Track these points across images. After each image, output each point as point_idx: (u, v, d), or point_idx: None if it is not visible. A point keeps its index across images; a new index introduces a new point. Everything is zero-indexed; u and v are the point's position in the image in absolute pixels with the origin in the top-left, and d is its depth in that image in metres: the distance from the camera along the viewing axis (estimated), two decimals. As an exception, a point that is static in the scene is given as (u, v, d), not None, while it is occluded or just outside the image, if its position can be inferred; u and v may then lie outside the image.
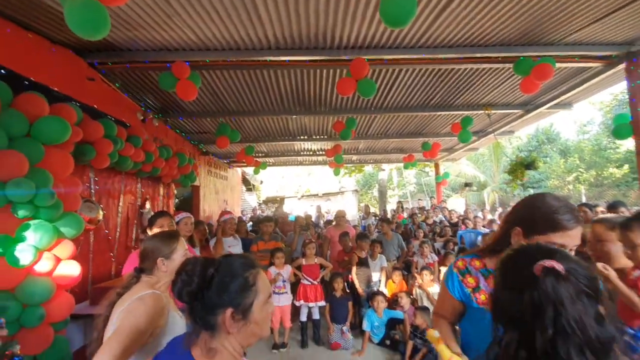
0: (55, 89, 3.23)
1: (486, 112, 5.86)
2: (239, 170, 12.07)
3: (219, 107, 5.72)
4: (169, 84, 3.83)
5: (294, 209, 14.75)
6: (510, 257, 0.75)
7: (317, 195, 17.72)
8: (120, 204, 4.34)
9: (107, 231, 4.01)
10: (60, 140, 2.58)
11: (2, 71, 2.73)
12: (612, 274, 1.49)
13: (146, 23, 3.21)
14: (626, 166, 13.94)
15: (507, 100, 5.75)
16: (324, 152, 9.22)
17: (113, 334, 1.26)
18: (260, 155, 9.28)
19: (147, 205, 4.97)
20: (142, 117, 5.00)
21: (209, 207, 8.48)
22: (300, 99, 5.47)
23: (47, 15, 2.88)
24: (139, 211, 4.81)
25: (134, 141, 3.88)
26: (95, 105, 3.77)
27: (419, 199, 13.03)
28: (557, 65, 4.01)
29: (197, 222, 3.98)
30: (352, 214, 13.42)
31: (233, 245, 4.15)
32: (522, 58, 3.98)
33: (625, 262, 1.56)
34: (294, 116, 5.98)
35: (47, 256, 2.38)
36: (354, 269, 4.61)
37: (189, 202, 7.63)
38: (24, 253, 2.20)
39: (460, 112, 6.02)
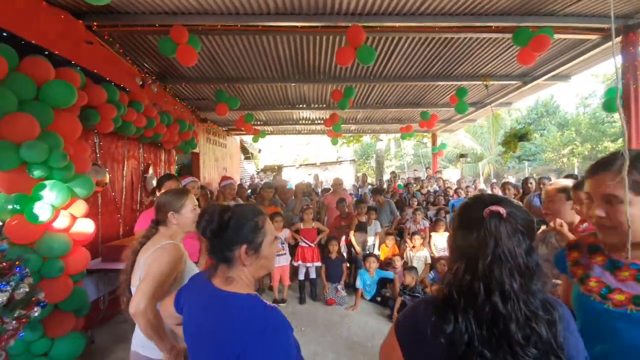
0: (56, 52, 3.26)
1: (484, 82, 5.89)
2: (238, 138, 12.11)
3: (217, 74, 5.70)
4: (169, 49, 3.83)
5: (292, 177, 14.95)
6: (468, 204, 0.92)
7: (315, 164, 17.87)
8: (125, 168, 4.48)
9: (113, 194, 4.19)
10: (68, 104, 2.67)
11: (4, 34, 2.76)
12: (565, 228, 1.73)
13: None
14: (620, 140, 14.12)
15: (505, 71, 5.77)
16: (322, 121, 9.26)
17: (144, 279, 1.46)
18: (259, 123, 9.31)
19: (150, 170, 5.12)
20: (141, 82, 5.01)
21: (209, 175, 8.64)
22: (299, 67, 5.46)
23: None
24: (142, 176, 4.96)
25: (136, 106, 3.95)
26: (95, 70, 3.80)
27: (415, 170, 13.22)
28: (555, 36, 4.03)
29: (201, 187, 4.14)
30: (350, 183, 13.64)
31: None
32: (520, 28, 3.98)
33: (573, 218, 1.82)
34: (293, 84, 5.98)
35: (64, 214, 2.56)
36: (352, 232, 4.88)
37: (189, 169, 7.78)
38: (42, 210, 2.37)
39: (459, 83, 6.04)
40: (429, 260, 4.72)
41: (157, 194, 2.79)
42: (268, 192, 4.88)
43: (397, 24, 3.99)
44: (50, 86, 2.57)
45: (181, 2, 3.53)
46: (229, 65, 5.31)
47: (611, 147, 14.28)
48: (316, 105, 7.64)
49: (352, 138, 13.55)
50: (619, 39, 4.07)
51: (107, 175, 3.91)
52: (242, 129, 8.30)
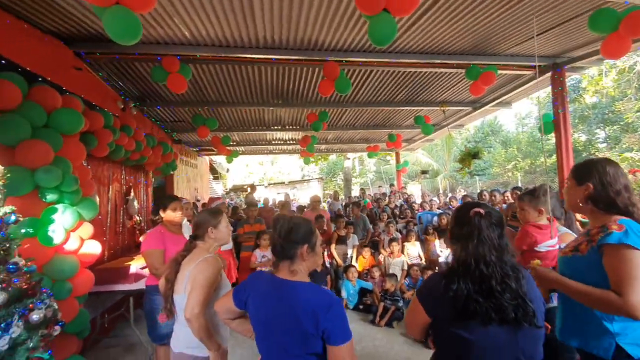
0: (48, 78, 3.34)
1: (442, 108, 6.68)
2: (207, 158, 12.08)
3: (199, 98, 5.91)
4: (161, 77, 4.04)
5: (261, 196, 15.03)
6: (460, 208, 1.35)
7: (284, 183, 18.08)
8: (110, 191, 4.48)
9: (100, 217, 4.17)
10: (76, 130, 2.80)
11: (2, 61, 2.84)
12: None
13: (144, 20, 3.41)
14: (554, 156, 16.14)
15: (459, 98, 6.61)
16: (294, 142, 9.65)
17: (194, 288, 1.69)
18: (232, 144, 9.46)
19: (132, 193, 5.12)
20: (122, 106, 5.08)
21: (182, 195, 8.57)
22: (279, 92, 5.85)
23: (39, 4, 2.94)
24: (124, 199, 4.95)
25: (127, 130, 4.05)
26: (83, 95, 3.88)
27: (379, 186, 13.93)
28: (499, 71, 4.83)
29: (193, 204, 4.27)
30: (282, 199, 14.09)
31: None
32: (472, 65, 4.72)
33: (535, 220, 2.28)
34: (272, 108, 6.34)
35: (73, 236, 2.64)
36: (333, 245, 5.22)
37: (163, 191, 7.70)
38: (55, 233, 2.46)
39: (420, 108, 6.79)
40: (406, 267, 5.17)
41: (162, 214, 2.93)
42: (253, 210, 5.09)
43: (368, 60, 4.54)
44: (59, 113, 2.70)
45: (176, 35, 3.79)
46: (211, 90, 5.56)
47: (547, 161, 16.22)
48: (291, 127, 8.03)
49: (320, 157, 14.06)
50: (549, 73, 4.96)
51: (97, 199, 3.93)
52: (215, 149, 8.43)
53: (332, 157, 18.56)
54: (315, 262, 1.49)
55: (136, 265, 3.75)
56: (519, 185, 15.24)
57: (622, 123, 13.18)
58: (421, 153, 19.45)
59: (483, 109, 6.86)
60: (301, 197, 13.98)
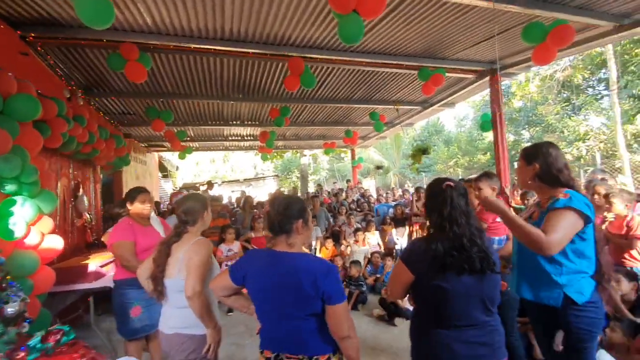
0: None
1: (395, 107, 7.16)
2: (156, 155, 11.43)
3: (153, 89, 5.66)
4: (118, 65, 3.85)
5: (215, 194, 14.59)
6: (432, 183, 1.60)
7: (239, 180, 17.71)
8: (58, 187, 4.14)
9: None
10: (33, 116, 2.61)
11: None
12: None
13: (104, 4, 3.25)
14: (488, 153, 18.02)
15: (410, 98, 7.14)
16: (252, 138, 9.59)
17: (192, 268, 1.74)
18: (186, 139, 9.11)
19: (80, 189, 4.77)
20: (68, 95, 4.70)
21: (132, 193, 8.07)
22: (240, 86, 5.82)
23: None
24: (73, 194, 4.60)
25: (80, 121, 3.79)
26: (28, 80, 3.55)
27: (334, 182, 14.32)
28: (447, 74, 5.35)
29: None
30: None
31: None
32: (423, 67, 5.18)
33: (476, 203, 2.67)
34: (232, 102, 6.28)
35: (34, 230, 2.47)
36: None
37: (110, 188, 7.19)
38: (17, 226, 2.29)
39: (376, 106, 7.20)
40: (369, 255, 5.50)
41: (129, 206, 2.82)
42: (215, 205, 5.04)
43: (331, 57, 4.76)
44: (15, 99, 2.50)
45: (136, 21, 3.64)
46: (167, 81, 5.36)
47: (483, 158, 18.05)
48: (250, 122, 7.98)
49: (275, 154, 14.07)
50: (487, 78, 5.61)
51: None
52: (170, 144, 8.08)
53: (287, 154, 18.64)
54: (309, 236, 1.65)
55: (95, 263, 3.56)
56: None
57: (543, 125, 15.13)
58: (373, 151, 20.34)
59: (431, 108, 7.49)
60: (257, 194, 13.85)
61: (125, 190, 7.67)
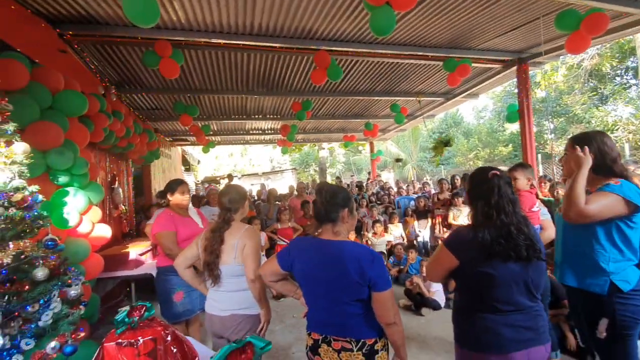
0: (36, 60, 3.21)
1: (417, 99, 7.09)
2: (179, 149, 11.74)
3: (181, 84, 5.80)
4: (153, 62, 3.99)
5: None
6: (476, 172, 1.62)
7: (258, 174, 17.96)
8: (98, 180, 4.35)
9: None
10: (80, 112, 2.77)
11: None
12: None
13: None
14: (510, 145, 17.57)
15: (433, 90, 7.05)
16: (272, 131, 9.70)
17: (248, 255, 1.87)
18: (209, 133, 9.31)
19: (116, 182, 4.99)
20: (102, 92, 4.90)
21: (159, 186, 8.34)
22: (264, 80, 5.90)
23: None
24: (110, 187, 4.82)
25: (118, 116, 3.96)
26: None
27: (352, 175, 14.32)
28: (473, 65, 5.26)
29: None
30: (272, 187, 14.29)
31: (216, 214, 4.52)
32: (449, 58, 5.11)
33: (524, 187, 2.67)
34: (256, 96, 6.38)
35: (85, 219, 2.63)
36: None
37: (141, 181, 7.46)
38: (70, 216, 2.45)
39: (398, 98, 7.15)
40: (388, 245, 5.55)
41: (170, 197, 2.95)
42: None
43: (357, 50, 4.76)
44: (64, 95, 2.65)
45: (170, 19, 3.75)
46: (195, 77, 5.49)
47: (504, 150, 17.62)
48: (272, 116, 8.08)
49: (294, 147, 14.18)
50: (514, 67, 5.48)
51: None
52: (196, 138, 8.28)
53: (305, 148, 18.72)
54: (353, 225, 1.71)
55: (135, 251, 3.75)
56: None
57: (568, 115, 14.61)
58: (390, 143, 20.18)
59: (455, 99, 7.37)
60: (275, 187, 14.03)
61: (153, 183, 7.98)
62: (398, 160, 12.93)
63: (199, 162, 15.55)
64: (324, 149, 13.85)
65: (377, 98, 7.08)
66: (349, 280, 1.48)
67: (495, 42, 4.93)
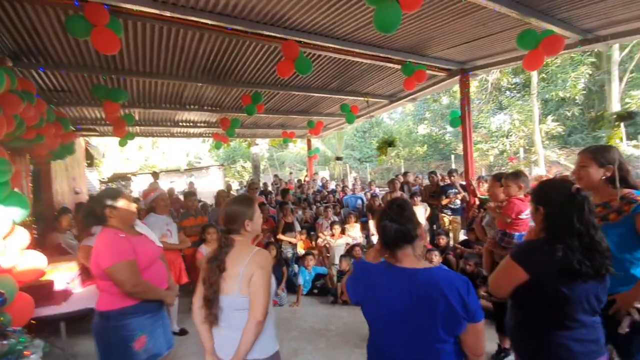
0: None
1: (365, 99, 7.19)
2: (82, 141, 9.70)
3: (104, 62, 4.70)
4: (81, 30, 3.09)
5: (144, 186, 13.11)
6: (553, 183, 1.57)
7: (179, 170, 16.15)
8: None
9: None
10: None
11: None
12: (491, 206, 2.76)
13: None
14: (425, 146, 19.53)
15: (381, 92, 7.23)
16: (205, 124, 8.77)
17: (260, 288, 1.51)
18: (132, 124, 7.91)
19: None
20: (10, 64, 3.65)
21: (61, 188, 6.74)
22: (210, 68, 5.20)
23: None
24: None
25: (29, 98, 2.95)
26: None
27: (290, 172, 14.06)
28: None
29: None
30: (220, 188, 13.24)
31: (169, 223, 3.75)
32: (408, 62, 5.24)
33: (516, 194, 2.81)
34: (198, 84, 5.60)
35: (8, 247, 1.84)
36: (280, 234, 5.09)
37: (38, 182, 5.87)
38: (-11, 244, 1.67)
39: (346, 97, 7.13)
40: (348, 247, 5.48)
41: (112, 212, 2.02)
42: (193, 201, 4.48)
43: (324, 44, 4.50)
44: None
45: (109, -22, 2.94)
46: (126, 54, 4.50)
47: (420, 150, 19.49)
48: (210, 108, 7.25)
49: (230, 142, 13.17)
50: (458, 77, 5.94)
51: None
52: (102, 128, 6.94)
53: (233, 143, 17.59)
54: (421, 247, 1.49)
55: (60, 277, 2.85)
56: (402, 171, 17.88)
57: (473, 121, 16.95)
58: (315, 141, 20.41)
59: (398, 102, 7.71)
60: (200, 185, 12.84)
61: (55, 184, 6.37)
62: (338, 158, 13.10)
63: (104, 155, 13.24)
64: (257, 144, 13.18)
65: (328, 95, 6.94)
66: (449, 315, 1.26)
67: (448, 52, 5.24)
